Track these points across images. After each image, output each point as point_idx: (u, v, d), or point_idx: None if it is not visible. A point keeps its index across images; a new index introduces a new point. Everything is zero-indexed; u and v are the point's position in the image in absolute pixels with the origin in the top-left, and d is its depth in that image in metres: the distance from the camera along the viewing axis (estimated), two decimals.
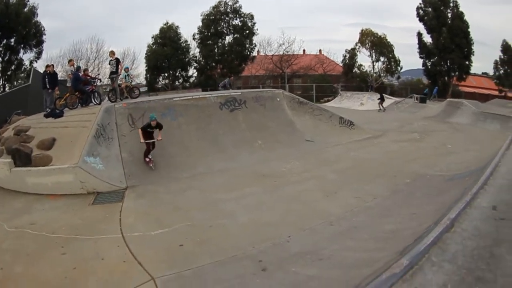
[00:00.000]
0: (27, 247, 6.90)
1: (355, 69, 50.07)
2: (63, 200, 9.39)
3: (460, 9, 44.32)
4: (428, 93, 38.16)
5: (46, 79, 14.02)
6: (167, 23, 46.19)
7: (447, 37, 43.09)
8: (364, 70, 49.86)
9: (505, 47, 45.10)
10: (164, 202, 9.11)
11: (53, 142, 11.35)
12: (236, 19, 46.49)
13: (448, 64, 44.85)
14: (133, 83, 18.55)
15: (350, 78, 49.21)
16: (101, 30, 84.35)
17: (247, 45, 46.71)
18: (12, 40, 36.26)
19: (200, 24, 46.18)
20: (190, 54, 47.39)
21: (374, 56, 48.92)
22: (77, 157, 10.22)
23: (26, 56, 38.12)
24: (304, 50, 51.96)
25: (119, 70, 15.26)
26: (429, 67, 46.11)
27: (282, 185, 10.38)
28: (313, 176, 11.15)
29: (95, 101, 14.83)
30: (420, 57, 46.81)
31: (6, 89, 35.26)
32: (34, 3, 37.35)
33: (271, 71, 48.85)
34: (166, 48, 44.80)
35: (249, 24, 46.48)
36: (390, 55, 48.11)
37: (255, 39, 47.33)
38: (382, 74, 49.44)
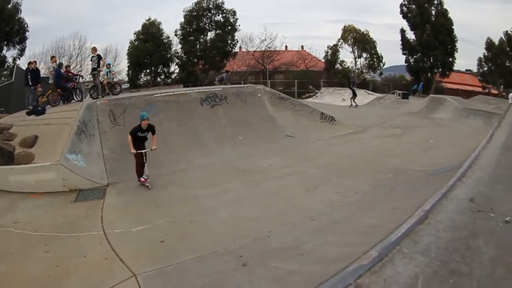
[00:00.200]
0: (10, 246, 6.81)
1: (337, 65, 50.31)
2: (45, 198, 9.27)
3: (445, 7, 44.82)
4: (417, 88, 38.63)
5: (29, 76, 13.84)
6: (150, 19, 45.79)
7: (431, 34, 43.68)
8: (346, 66, 50.15)
9: (489, 45, 45.77)
10: (145, 199, 9.06)
11: (35, 140, 11.22)
12: (218, 15, 46.38)
13: (431, 60, 45.39)
14: (115, 79, 18.30)
15: (332, 74, 49.47)
16: (84, 26, 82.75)
17: (229, 41, 46.65)
18: None
19: (183, 20, 45.82)
20: (172, 50, 47.18)
21: (356, 52, 49.47)
22: (59, 154, 10.09)
23: (9, 53, 37.33)
24: (286, 46, 52.28)
25: (100, 66, 15.14)
26: (412, 63, 46.75)
27: (263, 180, 10.37)
28: (294, 172, 11.15)
29: (77, 98, 14.70)
30: (403, 54, 47.54)
31: None
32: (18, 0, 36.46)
33: (253, 67, 48.84)
34: (148, 44, 44.46)
35: (231, 20, 46.45)
36: (373, 51, 48.65)
37: (237, 35, 47.39)
38: (364, 70, 49.78)
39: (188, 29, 45.87)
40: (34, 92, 13.87)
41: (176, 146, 12.54)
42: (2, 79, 34.62)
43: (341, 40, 49.78)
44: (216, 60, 46.28)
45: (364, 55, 49.31)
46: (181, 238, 6.86)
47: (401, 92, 34.58)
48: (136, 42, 45.29)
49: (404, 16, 46.06)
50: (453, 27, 44.72)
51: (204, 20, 46.08)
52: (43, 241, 6.87)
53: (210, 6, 45.87)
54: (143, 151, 9.98)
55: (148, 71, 47.26)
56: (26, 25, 37.42)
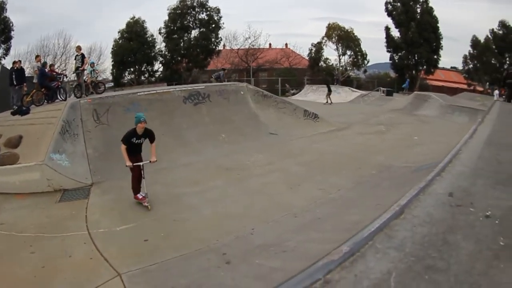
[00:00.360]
0: None
1: (321, 63, 50.44)
2: (31, 198, 9.16)
3: (430, 5, 45.26)
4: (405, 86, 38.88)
5: (13, 76, 13.62)
6: (134, 17, 45.29)
7: (416, 31, 44.14)
8: (330, 64, 50.36)
9: (475, 42, 46.70)
10: (128, 198, 8.93)
11: (20, 140, 11.04)
12: (202, 13, 46.21)
13: (416, 58, 45.83)
14: (100, 78, 18.17)
15: (316, 71, 49.46)
16: (69, 25, 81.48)
17: (213, 39, 46.42)
18: None
19: (167, 18, 45.43)
20: (156, 48, 46.74)
21: (340, 50, 49.60)
22: (44, 154, 9.97)
23: None
24: (270, 44, 52.25)
25: (83, 65, 15.00)
26: (397, 61, 47.13)
27: (246, 178, 10.38)
28: (277, 169, 11.15)
29: (60, 97, 14.54)
30: (388, 51, 47.92)
31: None
32: None
33: (237, 65, 48.63)
34: (132, 43, 44.08)
35: (216, 18, 46.32)
36: (357, 49, 48.96)
37: (221, 33, 47.31)
38: (348, 68, 50.00)
39: (172, 27, 45.57)
40: (19, 92, 13.64)
41: (159, 144, 12.35)
42: None
43: (325, 38, 49.97)
44: (200, 58, 46.10)
45: (348, 52, 49.64)
46: (165, 237, 6.86)
47: (385, 89, 34.83)
48: (120, 41, 44.83)
49: (389, 13, 46.43)
50: (438, 25, 45.31)
51: (188, 18, 45.80)
52: (28, 242, 6.82)
53: (195, 4, 45.61)
54: (141, 163, 8.42)
55: (132, 69, 46.78)
56: (11, 24, 36.87)
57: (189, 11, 45.59)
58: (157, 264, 5.86)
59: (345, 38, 48.59)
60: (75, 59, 15.59)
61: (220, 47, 48.32)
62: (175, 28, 45.58)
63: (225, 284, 5.08)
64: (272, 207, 8.14)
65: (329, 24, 49.73)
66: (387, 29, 47.14)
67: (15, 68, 13.87)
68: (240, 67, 49.00)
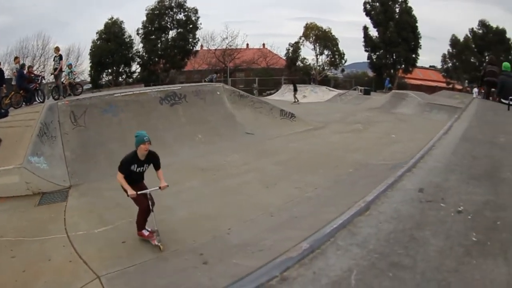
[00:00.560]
0: None
1: (299, 63, 50.40)
2: (10, 202, 9.03)
3: (409, 4, 45.47)
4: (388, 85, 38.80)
5: None
6: (112, 18, 44.54)
7: (394, 31, 44.29)
8: (308, 63, 50.35)
9: (454, 42, 46.99)
10: (106, 200, 8.86)
11: None
12: (180, 14, 45.88)
13: (394, 57, 46.00)
14: (77, 80, 17.93)
15: (294, 71, 49.19)
16: (48, 26, 79.50)
17: (190, 40, 46.07)
18: None
19: (145, 18, 44.86)
20: (133, 49, 46.17)
21: (318, 50, 49.53)
22: (22, 157, 9.83)
23: None
24: (247, 44, 51.78)
25: (60, 66, 14.82)
26: (375, 60, 47.24)
27: (222, 178, 10.34)
28: (253, 168, 11.12)
29: (39, 99, 14.32)
30: (366, 51, 48.07)
31: None
32: None
33: (214, 65, 48.12)
34: (110, 44, 43.42)
35: (193, 19, 46.05)
36: (335, 49, 48.89)
37: (199, 33, 46.97)
38: (326, 67, 50.16)
39: (150, 28, 45.12)
40: None
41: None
42: None
43: (303, 38, 49.88)
44: (177, 59, 45.79)
45: (326, 52, 49.59)
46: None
47: (363, 88, 34.72)
48: (99, 42, 44.09)
49: (368, 13, 46.57)
50: (417, 24, 45.60)
51: (166, 18, 45.45)
52: (9, 246, 6.76)
53: (172, 4, 45.24)
54: (148, 191, 6.56)
55: (110, 71, 46.09)
56: None
57: (167, 11, 45.22)
58: (135, 265, 5.87)
59: (323, 38, 48.57)
60: (53, 60, 15.39)
61: (198, 48, 48.03)
62: (153, 28, 45.16)
63: (203, 284, 5.09)
64: (248, 206, 8.10)
65: (306, 24, 49.81)
66: (365, 28, 47.38)
67: None
68: (217, 67, 48.51)
